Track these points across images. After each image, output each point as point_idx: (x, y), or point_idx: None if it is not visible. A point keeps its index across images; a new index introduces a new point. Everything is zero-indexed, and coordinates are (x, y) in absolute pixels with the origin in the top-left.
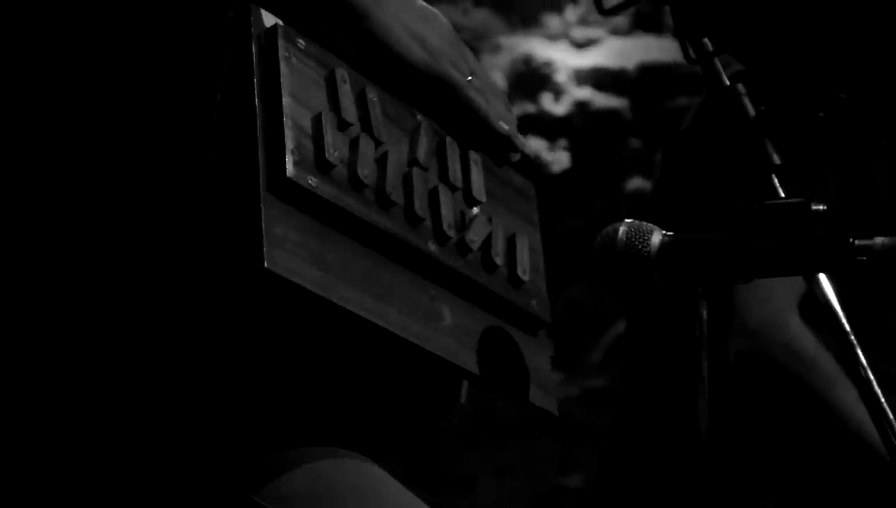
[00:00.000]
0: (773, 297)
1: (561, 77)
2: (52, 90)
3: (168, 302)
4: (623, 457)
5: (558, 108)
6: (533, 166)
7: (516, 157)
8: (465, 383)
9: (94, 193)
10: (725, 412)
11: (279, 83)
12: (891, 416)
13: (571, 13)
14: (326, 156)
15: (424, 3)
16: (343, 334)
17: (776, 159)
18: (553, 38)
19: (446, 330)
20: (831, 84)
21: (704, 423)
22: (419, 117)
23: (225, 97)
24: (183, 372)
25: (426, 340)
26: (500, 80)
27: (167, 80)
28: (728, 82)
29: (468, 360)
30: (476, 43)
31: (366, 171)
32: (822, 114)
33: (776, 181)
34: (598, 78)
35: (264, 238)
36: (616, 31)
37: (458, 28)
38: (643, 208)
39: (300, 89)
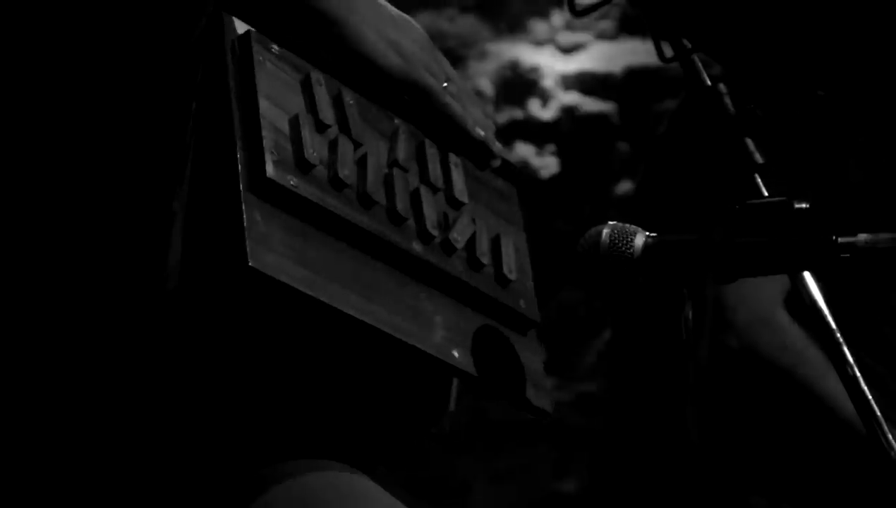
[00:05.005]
0: (759, 294)
1: (548, 82)
2: (26, 98)
3: (153, 307)
4: (614, 462)
5: (546, 114)
6: (521, 172)
7: (496, 163)
8: (455, 390)
9: (78, 198)
10: (716, 409)
11: (255, 87)
12: (878, 412)
13: (558, 18)
14: (306, 156)
15: (398, 11)
16: (330, 340)
17: (759, 158)
18: (539, 43)
19: (436, 330)
20: (809, 81)
21: (694, 424)
22: (397, 121)
23: (201, 104)
24: (169, 379)
25: (417, 339)
26: (487, 86)
27: (143, 89)
28: (709, 82)
29: (461, 360)
30: (462, 50)
31: (346, 171)
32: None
33: (759, 180)
34: (586, 82)
35: (247, 236)
36: (602, 36)
37: (444, 35)
38: (629, 211)
39: (276, 92)
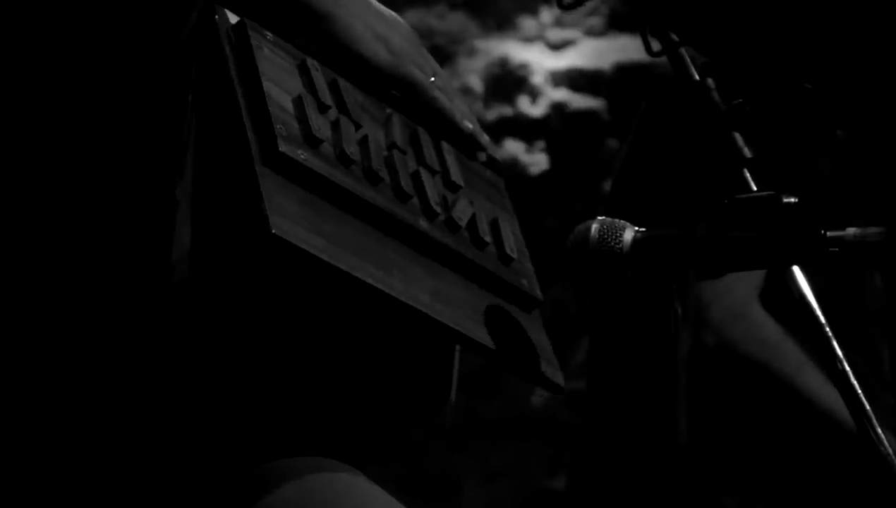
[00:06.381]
0: (734, 289)
1: (537, 79)
2: (18, 92)
3: (159, 299)
4: (592, 459)
5: (535, 110)
6: (508, 168)
7: (482, 157)
8: (455, 381)
9: (76, 192)
10: (693, 407)
11: (256, 70)
12: (867, 407)
13: (546, 15)
14: (313, 132)
15: (385, 7)
16: (335, 327)
17: (747, 153)
18: (529, 40)
19: (449, 304)
20: (795, 73)
21: (683, 423)
22: (389, 110)
23: (198, 96)
24: (172, 373)
25: (434, 311)
26: (476, 83)
27: (137, 83)
28: (697, 76)
29: (477, 334)
30: (452, 47)
31: (352, 148)
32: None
33: (748, 175)
34: (575, 79)
35: (266, 206)
36: (591, 32)
37: (433, 32)
38: (614, 208)
39: (277, 75)
